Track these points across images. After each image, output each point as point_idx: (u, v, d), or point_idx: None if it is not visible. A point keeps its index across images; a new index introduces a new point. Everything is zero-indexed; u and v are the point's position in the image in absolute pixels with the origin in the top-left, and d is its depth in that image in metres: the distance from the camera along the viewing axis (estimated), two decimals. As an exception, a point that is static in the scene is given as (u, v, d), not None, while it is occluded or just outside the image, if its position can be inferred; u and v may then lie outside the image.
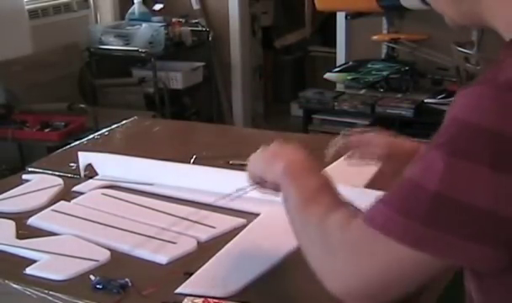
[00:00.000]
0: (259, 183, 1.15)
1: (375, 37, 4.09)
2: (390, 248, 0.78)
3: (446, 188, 0.74)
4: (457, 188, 0.74)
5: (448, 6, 0.90)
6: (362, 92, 4.05)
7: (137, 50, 4.00)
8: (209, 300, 1.04)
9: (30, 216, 1.39)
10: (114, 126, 2.02)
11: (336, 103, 4.43)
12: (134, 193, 1.50)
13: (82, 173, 1.62)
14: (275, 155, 1.10)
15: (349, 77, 4.03)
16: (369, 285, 0.82)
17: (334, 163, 1.54)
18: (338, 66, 4.24)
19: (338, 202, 0.94)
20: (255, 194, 1.43)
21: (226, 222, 1.34)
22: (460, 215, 0.74)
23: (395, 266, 0.79)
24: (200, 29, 4.45)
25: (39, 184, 1.57)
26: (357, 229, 0.82)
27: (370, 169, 1.47)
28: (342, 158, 1.59)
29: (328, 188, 0.98)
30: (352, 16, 4.16)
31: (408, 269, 0.79)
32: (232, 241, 1.25)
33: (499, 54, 0.82)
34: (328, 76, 4.12)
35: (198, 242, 1.25)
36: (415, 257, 0.76)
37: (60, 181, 1.58)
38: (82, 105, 3.47)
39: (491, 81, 0.75)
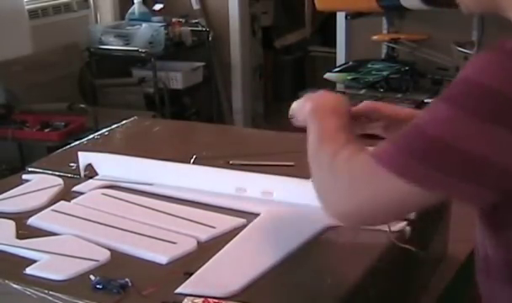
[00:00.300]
0: (295, 118, 1.28)
1: (375, 37, 4.09)
2: (387, 180, 0.89)
3: (446, 135, 0.86)
4: (456, 136, 0.85)
5: None
6: (362, 92, 4.05)
7: (137, 50, 4.00)
8: (209, 300, 1.04)
9: (30, 216, 1.39)
10: (114, 126, 2.02)
11: (336, 103, 4.43)
12: (134, 193, 1.50)
13: (82, 173, 1.62)
14: (309, 98, 1.24)
15: (349, 77, 4.03)
16: (360, 210, 0.94)
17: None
18: (338, 66, 4.24)
19: (352, 140, 1.04)
20: (255, 194, 1.44)
21: (226, 222, 1.33)
22: (454, 158, 0.85)
23: (388, 196, 0.91)
24: (200, 29, 4.45)
25: (39, 184, 1.57)
26: (361, 160, 0.94)
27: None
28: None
29: (345, 129, 1.08)
30: (352, 16, 4.16)
31: (400, 200, 0.91)
32: (231, 241, 1.25)
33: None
34: (327, 76, 4.11)
35: (198, 242, 1.25)
36: (410, 191, 0.88)
37: (60, 181, 1.58)
38: (82, 105, 3.47)
39: (500, 48, 0.86)
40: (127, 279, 1.10)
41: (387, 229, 1.22)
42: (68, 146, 1.89)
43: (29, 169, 1.69)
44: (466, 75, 0.87)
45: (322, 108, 1.15)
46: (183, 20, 4.39)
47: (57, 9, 4.03)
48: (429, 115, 0.89)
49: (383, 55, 4.18)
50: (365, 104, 1.35)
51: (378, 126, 1.33)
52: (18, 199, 1.50)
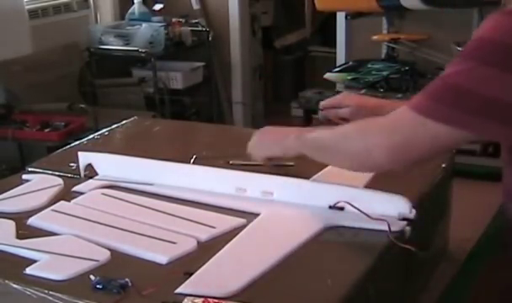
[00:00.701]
0: (268, 160, 1.46)
1: (375, 37, 4.09)
2: (419, 123, 1.08)
3: (465, 82, 1.04)
4: (474, 82, 1.03)
5: None
6: (362, 92, 4.04)
7: (137, 50, 4.00)
8: (209, 300, 1.04)
9: (30, 216, 1.39)
10: (114, 126, 2.02)
11: (336, 103, 4.43)
12: (134, 193, 1.50)
13: (82, 173, 1.62)
14: (277, 135, 1.43)
15: (349, 77, 4.03)
16: (398, 151, 1.13)
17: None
18: (338, 66, 4.23)
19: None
20: (255, 194, 1.44)
21: (226, 222, 1.33)
22: (474, 101, 1.03)
23: (421, 137, 1.09)
24: (200, 29, 4.45)
25: (39, 184, 1.57)
26: (396, 112, 1.14)
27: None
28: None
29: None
30: (352, 16, 4.16)
31: (431, 138, 1.09)
32: (232, 241, 1.25)
33: None
34: (327, 76, 4.11)
35: (198, 242, 1.25)
36: (439, 130, 1.06)
37: (60, 181, 1.58)
38: (82, 105, 3.47)
39: (510, 12, 1.04)
40: (127, 279, 1.10)
41: (387, 229, 1.22)
42: (68, 146, 1.89)
43: (29, 169, 1.69)
44: (479, 35, 1.05)
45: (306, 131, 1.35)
46: (183, 20, 4.39)
47: (57, 9, 4.03)
48: (449, 69, 1.09)
49: (383, 55, 4.18)
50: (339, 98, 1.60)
51: (349, 112, 1.54)
52: (18, 199, 1.50)
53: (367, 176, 1.44)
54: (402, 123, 1.13)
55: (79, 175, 1.62)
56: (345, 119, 1.54)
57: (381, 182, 1.37)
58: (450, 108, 1.05)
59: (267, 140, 1.45)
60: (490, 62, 1.02)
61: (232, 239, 1.25)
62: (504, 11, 1.05)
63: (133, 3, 4.31)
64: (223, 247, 1.22)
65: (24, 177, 1.63)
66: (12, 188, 1.55)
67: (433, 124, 1.07)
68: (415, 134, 1.10)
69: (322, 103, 1.65)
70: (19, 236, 1.31)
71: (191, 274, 1.12)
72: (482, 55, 1.03)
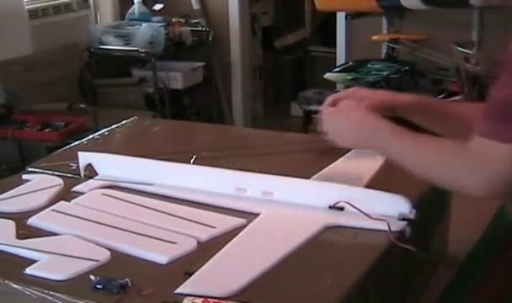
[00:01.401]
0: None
1: (375, 37, 4.09)
2: (495, 149, 1.01)
3: None
4: None
5: None
6: (362, 92, 4.04)
7: (137, 50, 4.00)
8: (209, 300, 1.04)
9: (30, 216, 1.39)
10: (114, 126, 2.02)
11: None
12: (134, 193, 1.50)
13: (82, 173, 1.62)
14: (364, 124, 1.27)
15: (349, 77, 4.03)
16: (492, 184, 1.04)
17: (334, 163, 1.55)
18: (338, 66, 4.24)
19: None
20: (255, 194, 1.44)
21: (226, 222, 1.33)
22: None
23: (501, 163, 1.01)
24: (200, 29, 4.45)
25: (39, 184, 1.57)
26: (474, 144, 1.05)
27: (371, 168, 1.47)
28: (342, 158, 1.59)
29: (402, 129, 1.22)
30: (352, 16, 4.16)
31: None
32: (231, 241, 1.24)
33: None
34: (328, 76, 4.12)
35: (198, 242, 1.25)
36: None
37: (60, 181, 1.58)
38: (82, 105, 3.47)
39: None
40: (127, 279, 1.10)
41: (387, 229, 1.22)
42: (68, 146, 1.89)
43: (29, 169, 1.69)
44: None
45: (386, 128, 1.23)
46: (183, 20, 4.40)
47: (57, 9, 4.03)
48: (497, 86, 1.03)
49: (383, 55, 4.19)
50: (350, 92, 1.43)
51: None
52: (18, 199, 1.50)
53: (367, 176, 1.44)
54: (483, 155, 1.04)
55: (79, 175, 1.62)
56: None
57: (381, 182, 1.37)
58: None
59: (355, 129, 1.30)
60: None
61: (231, 239, 1.25)
62: None
63: (133, 3, 4.31)
64: (223, 247, 1.22)
65: (24, 177, 1.63)
66: (12, 188, 1.54)
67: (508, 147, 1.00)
68: (496, 163, 1.02)
69: (332, 98, 1.45)
70: (19, 236, 1.31)
71: (191, 274, 1.12)
72: None
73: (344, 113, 1.32)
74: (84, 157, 1.63)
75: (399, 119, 1.37)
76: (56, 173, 1.63)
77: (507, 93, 1.01)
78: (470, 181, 1.07)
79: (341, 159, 1.58)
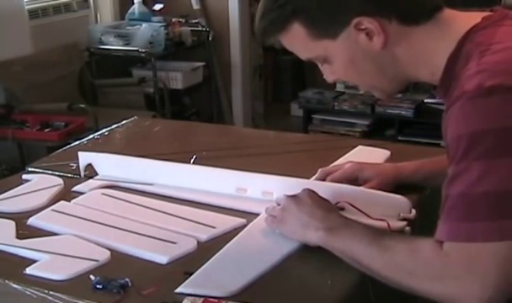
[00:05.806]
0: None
1: (375, 37, 4.09)
2: (485, 250, 0.90)
3: (490, 184, 0.89)
4: (503, 180, 0.89)
5: (374, 79, 1.09)
6: (362, 92, 4.05)
7: (137, 50, 4.00)
8: (209, 300, 1.04)
9: (30, 216, 1.39)
10: (114, 126, 2.02)
11: (336, 103, 4.43)
12: (134, 193, 1.50)
13: (82, 173, 1.62)
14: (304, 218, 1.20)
15: (348, 77, 4.02)
16: (496, 287, 0.91)
17: (335, 163, 1.55)
18: (339, 66, 4.23)
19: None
20: (255, 194, 1.44)
21: (226, 222, 1.33)
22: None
23: (488, 264, 0.90)
24: (200, 29, 4.45)
25: (39, 184, 1.57)
26: (449, 251, 0.94)
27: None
28: (343, 158, 1.59)
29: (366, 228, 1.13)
30: (352, 16, 4.15)
31: (502, 260, 0.90)
32: (231, 241, 1.25)
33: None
34: (328, 76, 4.11)
35: (198, 242, 1.25)
36: (500, 249, 0.89)
37: (60, 181, 1.58)
38: (82, 105, 3.47)
39: (461, 95, 0.93)
40: (127, 279, 1.10)
41: (387, 229, 1.22)
42: (68, 146, 1.89)
43: (29, 169, 1.69)
44: (458, 133, 0.92)
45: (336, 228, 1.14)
46: (183, 20, 4.39)
47: (57, 9, 4.03)
48: (461, 180, 0.92)
49: (383, 55, 4.18)
50: (348, 168, 1.41)
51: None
52: (18, 199, 1.50)
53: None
54: (466, 263, 0.92)
55: (79, 175, 1.62)
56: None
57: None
58: (496, 218, 0.90)
59: (294, 222, 1.22)
60: (503, 152, 0.89)
61: (231, 239, 1.25)
62: (466, 94, 0.92)
63: (133, 3, 4.31)
64: (223, 247, 1.22)
65: (24, 177, 1.63)
66: (12, 188, 1.55)
67: (492, 246, 0.90)
68: (482, 264, 0.91)
69: (323, 172, 1.44)
70: (19, 236, 1.31)
71: (191, 274, 1.12)
72: (481, 148, 0.90)
73: (303, 204, 1.22)
74: (84, 157, 1.63)
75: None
76: (56, 173, 1.64)
77: (487, 185, 0.90)
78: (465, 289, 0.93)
79: (341, 159, 1.59)
